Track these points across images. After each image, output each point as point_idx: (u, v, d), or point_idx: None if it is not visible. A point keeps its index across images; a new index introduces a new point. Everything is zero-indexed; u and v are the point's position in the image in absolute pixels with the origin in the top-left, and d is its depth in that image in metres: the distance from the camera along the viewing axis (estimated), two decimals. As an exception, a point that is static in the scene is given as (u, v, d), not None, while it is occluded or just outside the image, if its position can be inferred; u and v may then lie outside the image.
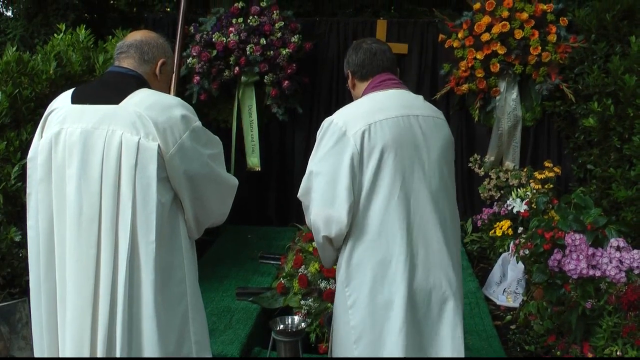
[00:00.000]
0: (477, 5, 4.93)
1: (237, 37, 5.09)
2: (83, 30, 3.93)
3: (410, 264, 2.06)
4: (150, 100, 1.96)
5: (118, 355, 1.90)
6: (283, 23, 5.16)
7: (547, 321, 3.39)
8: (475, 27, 4.90)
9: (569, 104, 4.84)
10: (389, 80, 2.24)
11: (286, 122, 5.52)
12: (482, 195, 5.10)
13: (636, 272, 3.13)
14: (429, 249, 2.11)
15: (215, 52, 5.15)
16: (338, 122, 2.10)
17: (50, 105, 2.07)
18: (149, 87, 2.05)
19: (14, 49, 3.50)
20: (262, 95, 5.39)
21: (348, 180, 2.04)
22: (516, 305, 3.99)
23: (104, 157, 1.91)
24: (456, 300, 2.14)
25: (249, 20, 5.14)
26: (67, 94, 2.06)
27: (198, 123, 2.01)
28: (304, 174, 2.18)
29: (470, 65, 4.96)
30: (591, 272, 3.12)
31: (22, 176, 2.07)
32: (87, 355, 1.91)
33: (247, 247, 4.95)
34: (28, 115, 3.36)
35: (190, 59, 5.18)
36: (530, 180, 4.79)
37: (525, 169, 5.01)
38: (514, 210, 4.55)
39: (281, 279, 3.83)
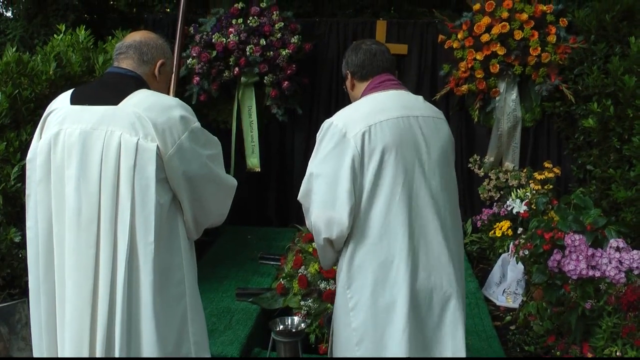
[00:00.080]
0: (476, 6, 4.93)
1: (236, 37, 5.09)
2: (83, 30, 3.93)
3: (411, 265, 2.06)
4: (149, 101, 1.96)
5: (117, 355, 1.90)
6: (283, 24, 5.16)
7: (547, 322, 3.39)
8: (474, 27, 4.90)
9: (569, 104, 4.84)
10: (389, 81, 2.24)
11: (286, 122, 5.52)
12: (481, 195, 5.10)
13: (636, 272, 3.13)
14: (429, 249, 2.11)
15: (215, 53, 5.15)
16: (338, 124, 2.10)
17: (49, 106, 2.07)
18: (148, 88, 2.05)
19: (14, 49, 3.50)
20: (261, 96, 5.39)
21: (349, 182, 2.03)
22: (516, 305, 3.99)
23: (103, 157, 1.91)
24: (457, 300, 2.14)
25: (248, 21, 5.14)
26: (66, 95, 2.06)
27: (197, 124, 2.01)
28: (304, 174, 2.18)
29: (469, 66, 4.96)
30: (591, 273, 3.12)
31: (22, 177, 2.07)
32: (86, 356, 1.91)
33: (246, 248, 4.95)
34: (28, 116, 3.36)
35: (190, 59, 5.18)
36: (530, 181, 4.79)
37: (524, 170, 5.01)
38: (514, 211, 4.55)
39: (281, 279, 3.83)
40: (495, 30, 4.82)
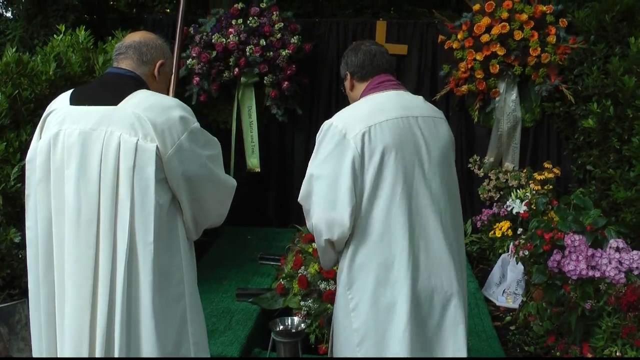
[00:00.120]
0: (476, 7, 4.93)
1: (236, 38, 5.10)
2: (83, 31, 3.93)
3: (412, 265, 2.05)
4: (149, 101, 1.96)
5: (116, 355, 1.90)
6: (283, 24, 5.16)
7: (547, 322, 3.39)
8: (474, 28, 4.90)
9: (569, 105, 4.84)
10: (388, 82, 2.24)
11: (286, 123, 5.52)
12: (481, 196, 5.10)
13: (635, 272, 3.13)
14: (430, 249, 2.10)
15: (214, 53, 5.15)
16: (338, 125, 2.10)
17: (48, 106, 2.07)
18: (148, 88, 2.04)
19: (14, 50, 3.50)
20: (261, 96, 5.40)
21: (350, 183, 2.03)
22: (516, 306, 3.99)
23: (102, 158, 1.91)
24: (458, 300, 2.13)
25: (248, 21, 5.14)
26: (66, 95, 2.06)
27: (196, 124, 2.01)
28: (304, 175, 2.17)
29: (469, 66, 4.96)
30: (590, 273, 3.12)
31: (22, 177, 2.08)
32: (85, 356, 1.91)
33: (246, 248, 4.95)
34: (28, 116, 3.36)
35: (190, 60, 5.18)
36: (530, 181, 4.79)
37: (524, 170, 5.01)
38: (514, 211, 4.56)
39: (281, 280, 3.83)
40: (495, 30, 4.82)
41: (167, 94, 2.26)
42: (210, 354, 3.15)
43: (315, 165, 2.11)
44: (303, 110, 5.47)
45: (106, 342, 1.90)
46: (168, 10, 6.75)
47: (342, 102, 2.54)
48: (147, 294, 1.91)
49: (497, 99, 5.05)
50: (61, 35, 3.88)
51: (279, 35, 5.14)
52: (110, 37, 4.24)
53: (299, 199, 2.21)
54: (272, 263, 4.52)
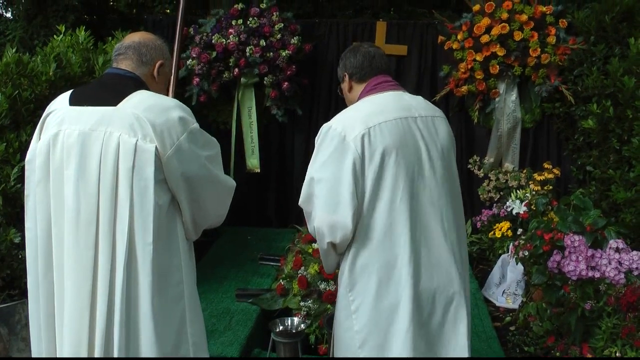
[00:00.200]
0: (476, 7, 4.94)
1: (236, 38, 5.10)
2: (83, 31, 3.93)
3: (414, 266, 2.05)
4: (148, 102, 1.96)
5: (116, 355, 1.90)
6: (283, 24, 5.16)
7: (547, 322, 3.39)
8: (474, 28, 4.90)
9: (568, 105, 4.84)
10: (386, 82, 2.24)
11: (286, 123, 5.53)
12: (481, 196, 5.10)
13: (635, 273, 3.13)
14: (432, 250, 2.10)
15: (214, 54, 5.15)
16: (337, 128, 2.09)
17: (48, 107, 2.07)
18: (147, 89, 2.04)
19: (14, 50, 3.50)
20: (261, 97, 5.40)
21: (351, 185, 2.02)
22: (515, 306, 3.99)
23: (102, 158, 1.91)
24: (461, 301, 2.13)
25: (248, 22, 5.15)
26: (65, 96, 2.06)
27: (195, 125, 2.01)
28: (304, 175, 2.17)
29: (469, 66, 4.96)
30: (590, 274, 3.12)
31: (22, 178, 2.08)
32: (84, 356, 1.92)
33: (246, 249, 4.95)
34: (28, 117, 3.37)
35: (190, 60, 5.18)
36: (530, 182, 4.79)
37: (524, 171, 5.01)
38: (514, 212, 4.56)
39: (281, 280, 3.83)
40: (495, 31, 4.83)
41: (167, 94, 2.26)
42: (210, 354, 3.15)
43: (316, 169, 2.10)
44: (303, 111, 5.47)
45: (105, 342, 1.90)
46: (168, 11, 6.76)
47: (342, 102, 2.54)
48: (146, 294, 1.91)
49: (497, 99, 5.05)
50: (61, 35, 3.88)
51: (279, 36, 5.14)
52: (110, 38, 4.25)
53: (299, 203, 2.19)
54: (272, 263, 4.52)
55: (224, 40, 5.12)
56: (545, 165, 4.88)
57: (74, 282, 1.92)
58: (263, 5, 5.23)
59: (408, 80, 5.40)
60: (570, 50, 4.80)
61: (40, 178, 1.99)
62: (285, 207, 5.71)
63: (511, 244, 4.15)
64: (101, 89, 2.05)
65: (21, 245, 3.08)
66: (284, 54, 5.10)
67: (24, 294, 3.08)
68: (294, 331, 3.29)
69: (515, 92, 5.04)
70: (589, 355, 3.01)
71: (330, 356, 2.36)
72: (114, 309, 1.90)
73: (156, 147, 1.91)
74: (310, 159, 2.17)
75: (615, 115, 4.36)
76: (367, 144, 2.05)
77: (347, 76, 2.30)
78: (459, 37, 5.03)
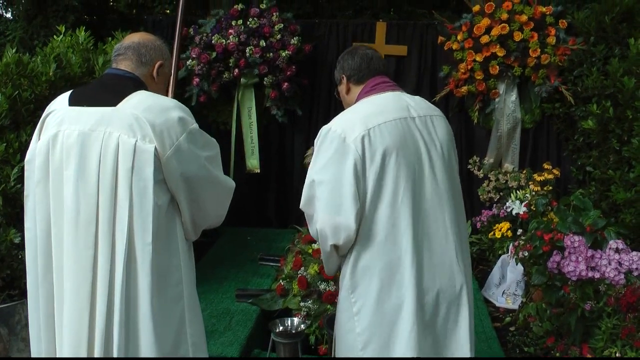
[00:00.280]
0: (476, 8, 4.94)
1: (236, 39, 5.10)
2: (82, 32, 3.93)
3: (416, 266, 2.05)
4: (148, 102, 1.96)
5: (115, 355, 1.90)
6: (282, 25, 5.17)
7: (547, 323, 3.40)
8: (474, 29, 4.91)
9: (568, 106, 4.84)
10: (384, 83, 2.24)
11: (285, 123, 5.53)
12: (481, 197, 5.10)
13: (635, 274, 3.13)
14: (434, 250, 2.10)
15: (214, 54, 5.15)
16: (337, 129, 2.09)
17: (47, 107, 2.07)
18: (147, 89, 2.04)
19: (14, 50, 3.50)
20: (261, 97, 5.40)
21: (353, 187, 2.02)
22: (515, 307, 3.99)
23: (101, 159, 1.91)
24: (463, 300, 2.13)
25: (248, 22, 5.15)
26: (65, 96, 2.06)
27: (195, 125, 2.01)
28: (304, 176, 2.17)
29: (469, 67, 4.97)
30: (590, 274, 3.12)
31: (22, 178, 2.08)
32: (84, 356, 1.92)
33: (246, 249, 4.95)
34: (28, 117, 3.37)
35: (190, 60, 5.18)
36: (530, 182, 4.79)
37: (524, 171, 5.01)
38: (513, 212, 4.56)
39: (280, 280, 3.83)
40: (495, 31, 4.83)
41: (166, 95, 2.26)
42: (210, 354, 3.16)
43: (316, 171, 2.10)
44: (303, 111, 5.47)
45: (105, 342, 1.90)
46: (168, 11, 6.76)
47: (342, 103, 2.55)
48: (145, 294, 1.91)
49: (496, 100, 5.05)
50: (61, 36, 3.88)
51: (278, 36, 5.14)
52: (110, 38, 4.25)
53: (300, 206, 2.18)
54: (271, 264, 4.52)
55: (224, 40, 5.12)
56: (545, 166, 4.88)
57: (73, 282, 1.92)
58: (263, 6, 5.23)
59: (408, 80, 5.40)
60: (570, 51, 4.80)
61: (39, 178, 1.99)
62: (285, 208, 5.71)
63: (511, 244, 4.15)
64: (101, 89, 2.05)
65: (21, 246, 3.08)
66: (283, 54, 5.10)
67: (23, 294, 3.07)
68: (293, 331, 3.29)
69: (515, 92, 5.04)
70: (589, 356, 3.01)
71: (331, 355, 2.36)
72: (113, 309, 1.90)
73: (155, 148, 1.91)
74: (309, 166, 2.17)
75: (615, 115, 4.36)
76: (368, 145, 2.04)
77: (345, 78, 2.30)
78: (458, 37, 5.03)
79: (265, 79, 5.19)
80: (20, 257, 3.17)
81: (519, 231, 4.31)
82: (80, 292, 1.91)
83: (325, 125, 2.14)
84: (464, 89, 5.04)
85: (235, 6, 5.24)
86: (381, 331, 2.06)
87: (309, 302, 3.56)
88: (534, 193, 4.64)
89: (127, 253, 1.90)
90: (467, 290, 2.16)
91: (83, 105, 1.98)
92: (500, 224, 4.58)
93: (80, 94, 2.06)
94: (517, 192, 4.75)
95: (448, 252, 2.12)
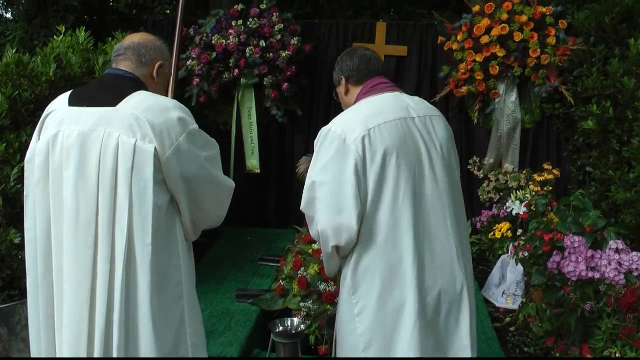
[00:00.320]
0: (476, 8, 4.94)
1: (236, 39, 5.10)
2: (83, 32, 3.93)
3: (418, 266, 2.04)
4: (147, 102, 1.96)
5: (115, 355, 1.90)
6: (282, 25, 5.16)
7: (546, 323, 3.40)
8: (474, 29, 4.91)
9: (568, 106, 4.84)
10: (383, 84, 2.24)
11: (285, 124, 5.53)
12: (481, 197, 5.10)
13: (635, 274, 3.13)
14: (435, 249, 2.10)
15: (214, 54, 5.15)
16: (337, 130, 2.09)
17: (47, 107, 2.08)
18: (146, 90, 2.05)
19: (14, 50, 3.50)
20: (261, 97, 5.40)
21: (354, 187, 2.02)
22: (515, 307, 3.99)
23: (101, 159, 1.92)
24: (465, 299, 2.13)
25: (248, 23, 5.15)
26: (65, 96, 2.06)
27: (194, 125, 2.01)
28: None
29: (469, 67, 4.97)
30: (590, 274, 3.12)
31: (22, 178, 2.08)
32: (84, 356, 1.92)
33: (246, 249, 4.95)
34: (28, 117, 3.37)
35: (190, 60, 5.18)
36: (529, 183, 4.79)
37: (524, 171, 5.01)
38: (513, 212, 4.56)
39: (280, 280, 3.83)
40: (495, 31, 4.83)
41: (166, 95, 2.26)
42: (210, 354, 3.16)
43: (316, 172, 2.09)
44: (303, 112, 5.47)
45: (104, 342, 1.90)
46: (168, 12, 6.76)
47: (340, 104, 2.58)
48: (145, 294, 1.91)
49: (496, 100, 5.05)
50: (61, 36, 3.88)
51: (278, 37, 5.14)
52: (110, 38, 4.25)
53: (301, 208, 2.18)
54: (271, 264, 4.52)
55: (224, 40, 5.12)
56: (545, 166, 4.88)
57: (73, 282, 1.92)
58: (263, 6, 5.23)
59: (408, 80, 5.40)
60: (570, 51, 4.80)
61: (39, 178, 1.99)
62: (285, 208, 5.71)
63: (511, 244, 4.15)
64: (100, 89, 2.05)
65: (21, 246, 3.08)
66: (283, 54, 5.10)
67: (23, 294, 3.07)
68: (293, 332, 3.29)
69: (515, 92, 5.04)
70: (589, 356, 3.01)
71: (332, 355, 2.36)
72: (113, 309, 1.90)
73: (155, 148, 1.91)
74: (309, 168, 2.17)
75: (615, 116, 4.36)
76: (368, 145, 2.05)
77: (343, 79, 2.31)
78: (458, 37, 5.03)
79: (265, 79, 5.19)
80: (20, 257, 3.17)
81: (519, 231, 4.31)
82: (80, 292, 1.91)
83: (325, 126, 2.14)
84: (464, 89, 5.04)
85: (235, 6, 5.23)
86: (383, 332, 2.06)
87: (309, 302, 3.56)
88: (533, 193, 4.64)
89: (127, 253, 1.90)
90: (468, 290, 2.16)
91: (83, 105, 1.98)
92: (500, 224, 4.58)
93: (80, 94, 2.06)
94: (517, 192, 4.75)
95: (449, 252, 2.12)
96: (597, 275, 3.12)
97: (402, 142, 2.08)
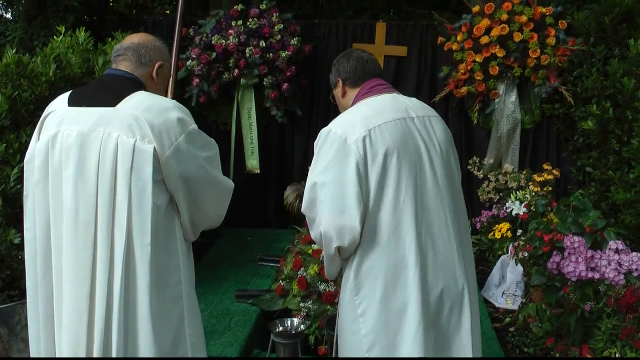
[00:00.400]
0: (476, 8, 4.94)
1: (236, 39, 5.10)
2: (82, 32, 3.93)
3: (421, 266, 2.04)
4: (147, 102, 1.96)
5: (114, 356, 1.90)
6: (282, 25, 5.17)
7: (546, 323, 3.40)
8: (474, 29, 4.91)
9: (568, 106, 4.85)
10: (380, 85, 2.25)
11: (285, 124, 5.53)
12: (481, 197, 5.10)
13: (635, 274, 3.13)
14: (437, 249, 2.10)
15: (214, 55, 5.16)
16: (337, 131, 2.09)
17: (47, 107, 2.08)
18: (146, 90, 2.05)
19: (14, 51, 3.50)
20: (261, 98, 5.40)
21: (356, 188, 2.01)
22: (515, 307, 3.99)
23: (100, 159, 1.92)
24: (467, 299, 2.12)
25: (248, 23, 5.15)
26: (64, 97, 2.06)
27: (194, 126, 2.02)
28: (303, 176, 2.17)
29: (469, 67, 4.97)
30: (590, 275, 3.12)
31: (22, 178, 2.08)
32: (83, 356, 1.92)
33: (246, 250, 4.95)
34: (27, 118, 3.37)
35: (190, 61, 5.18)
36: (529, 183, 4.79)
37: (524, 172, 5.02)
38: (513, 213, 4.56)
39: (280, 281, 3.83)
40: (495, 32, 4.83)
41: (166, 95, 2.26)
42: (210, 355, 3.17)
43: (317, 173, 2.08)
44: (303, 112, 5.47)
45: (104, 342, 1.90)
46: (168, 12, 6.76)
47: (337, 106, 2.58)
48: (144, 295, 1.91)
49: (496, 100, 5.05)
50: (61, 36, 3.88)
51: (278, 37, 5.14)
52: (109, 39, 4.24)
53: (302, 210, 2.17)
54: (271, 264, 4.52)
55: (224, 41, 5.12)
56: (545, 167, 4.88)
57: (72, 282, 1.92)
58: (263, 6, 5.23)
59: (408, 81, 5.40)
60: (569, 52, 4.80)
61: (39, 178, 1.99)
62: (285, 208, 5.70)
63: (511, 245, 4.15)
64: (100, 89, 2.05)
65: (21, 246, 3.08)
66: (283, 54, 5.10)
67: (23, 294, 3.07)
68: (293, 332, 3.29)
69: (515, 93, 5.05)
70: (589, 356, 3.01)
71: (334, 357, 2.35)
72: (112, 309, 1.90)
73: (154, 148, 1.91)
74: (310, 160, 2.16)
75: (615, 116, 4.36)
76: (369, 145, 2.04)
77: (340, 81, 2.31)
78: (458, 38, 5.03)
79: (265, 79, 5.20)
80: (20, 257, 3.17)
81: (519, 232, 4.31)
82: (79, 292, 1.91)
83: (325, 128, 2.14)
84: (464, 89, 5.04)
85: (235, 7, 5.24)
86: (387, 332, 2.06)
87: (309, 302, 3.56)
88: (533, 194, 4.64)
89: (126, 253, 1.90)
90: (469, 290, 2.15)
91: (82, 106, 1.98)
92: (500, 225, 4.58)
93: (79, 94, 2.06)
94: (517, 192, 4.75)
95: (451, 252, 2.12)
96: (597, 276, 3.12)
97: (402, 142, 2.09)
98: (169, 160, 1.93)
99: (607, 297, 3.05)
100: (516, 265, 3.95)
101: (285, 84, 5.21)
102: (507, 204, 4.67)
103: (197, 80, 5.20)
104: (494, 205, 4.87)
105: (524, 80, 5.01)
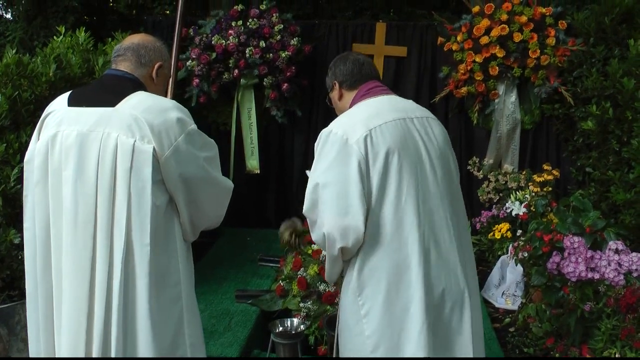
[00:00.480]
0: (476, 9, 4.94)
1: (236, 39, 5.10)
2: (82, 32, 3.93)
3: (424, 266, 2.04)
4: (147, 103, 1.96)
5: (113, 356, 1.90)
6: (282, 26, 5.17)
7: (546, 324, 3.40)
8: (474, 30, 4.91)
9: (568, 107, 4.85)
10: (377, 87, 2.25)
11: (285, 124, 5.53)
12: (481, 198, 5.10)
13: (635, 274, 3.13)
14: (439, 249, 2.10)
15: (214, 55, 5.16)
16: (338, 132, 2.08)
17: (47, 108, 2.08)
18: (146, 90, 2.05)
19: (14, 51, 3.50)
20: (261, 98, 5.40)
21: (359, 188, 2.01)
22: (515, 307, 3.99)
23: (100, 159, 1.92)
24: (469, 299, 2.12)
25: (248, 23, 5.15)
26: (64, 97, 2.06)
27: (193, 126, 2.02)
28: (303, 176, 2.16)
29: (469, 68, 4.97)
30: (590, 275, 3.13)
31: (22, 178, 2.08)
32: (82, 356, 1.92)
33: (246, 250, 4.95)
34: (27, 118, 3.37)
35: (190, 61, 5.18)
36: (529, 183, 4.79)
37: (524, 172, 5.02)
38: (513, 213, 4.56)
39: (280, 281, 3.83)
40: (495, 32, 4.83)
41: (165, 96, 2.26)
42: (210, 355, 3.17)
43: (319, 174, 2.08)
44: (303, 112, 5.47)
45: (103, 342, 1.90)
46: (167, 12, 6.76)
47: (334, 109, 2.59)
48: (143, 295, 1.91)
49: (496, 100, 5.05)
50: (61, 36, 3.88)
51: (278, 37, 5.14)
52: (109, 39, 4.25)
53: (304, 212, 2.16)
54: (271, 264, 4.52)
55: (224, 41, 5.12)
56: (545, 167, 4.88)
57: (71, 282, 1.92)
58: (263, 7, 5.23)
59: (408, 81, 5.40)
60: (569, 52, 4.80)
61: (38, 178, 1.99)
62: (285, 208, 5.69)
63: (510, 245, 4.15)
64: (100, 90, 2.06)
65: (21, 246, 3.07)
66: (283, 55, 5.10)
67: (23, 294, 3.07)
68: (293, 332, 3.29)
69: (515, 93, 5.05)
70: (589, 357, 3.01)
71: (335, 357, 2.35)
72: (111, 309, 1.90)
73: (154, 148, 1.91)
74: (310, 160, 2.16)
75: (615, 116, 4.36)
76: (370, 145, 2.05)
77: (337, 84, 2.31)
78: (458, 38, 5.03)
79: (265, 79, 5.20)
80: (20, 257, 3.17)
81: (519, 232, 4.31)
82: (79, 292, 1.91)
83: (325, 129, 2.14)
84: (464, 89, 5.05)
85: (235, 7, 5.24)
86: (391, 332, 2.05)
87: (309, 302, 3.56)
88: (533, 194, 4.64)
89: (125, 253, 1.90)
90: (469, 289, 2.15)
91: (82, 106, 1.99)
92: (500, 225, 4.58)
93: (79, 94, 2.06)
94: (517, 193, 4.75)
95: (453, 251, 2.12)
96: (596, 276, 3.12)
97: (403, 142, 2.09)
98: (169, 161, 1.93)
99: (607, 298, 3.05)
100: (516, 265, 3.95)
101: (285, 84, 5.21)
102: (507, 204, 4.67)
103: (197, 80, 5.20)
104: (494, 206, 4.87)
105: (523, 80, 5.01)
